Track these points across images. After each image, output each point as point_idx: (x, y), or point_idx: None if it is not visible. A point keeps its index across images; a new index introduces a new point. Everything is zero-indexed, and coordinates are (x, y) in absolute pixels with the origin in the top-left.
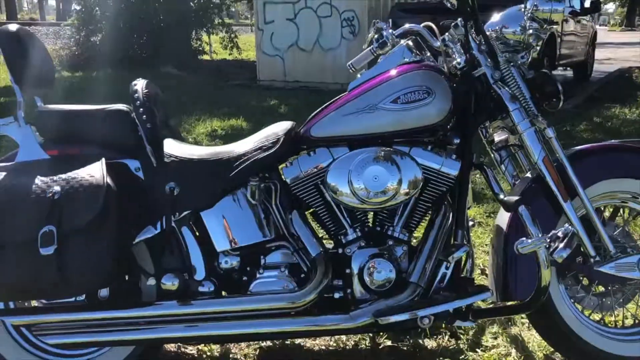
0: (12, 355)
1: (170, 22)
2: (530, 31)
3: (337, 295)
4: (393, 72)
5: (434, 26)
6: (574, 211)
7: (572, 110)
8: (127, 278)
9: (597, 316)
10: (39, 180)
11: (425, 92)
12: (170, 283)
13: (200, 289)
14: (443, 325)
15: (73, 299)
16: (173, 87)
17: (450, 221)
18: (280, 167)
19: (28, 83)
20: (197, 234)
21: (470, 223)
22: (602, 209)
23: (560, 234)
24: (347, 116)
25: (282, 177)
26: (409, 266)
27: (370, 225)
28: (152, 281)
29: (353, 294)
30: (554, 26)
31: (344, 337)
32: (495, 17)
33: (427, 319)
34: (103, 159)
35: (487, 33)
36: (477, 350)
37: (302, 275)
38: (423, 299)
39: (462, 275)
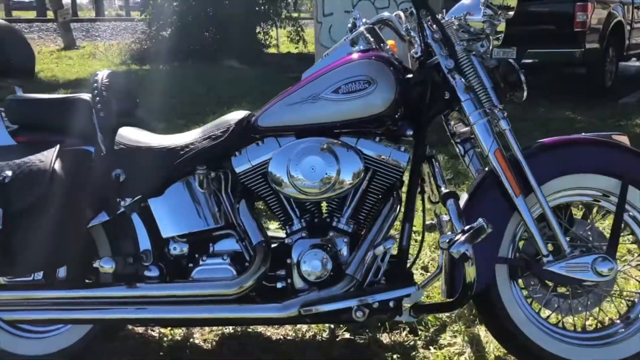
0: None
1: (237, 17)
2: (484, 18)
3: (279, 285)
4: (338, 62)
5: (402, 15)
6: (526, 207)
7: (635, 104)
8: (85, 259)
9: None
10: (2, 165)
11: (366, 82)
12: (108, 266)
13: (147, 273)
14: (403, 322)
15: (31, 277)
16: (230, 80)
17: (397, 214)
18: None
19: (7, 74)
20: (146, 220)
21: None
22: (566, 205)
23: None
24: (292, 105)
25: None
26: (348, 258)
27: (317, 216)
28: (102, 263)
29: (293, 284)
30: (510, 13)
31: (304, 328)
32: (462, 3)
33: (361, 311)
34: (58, 146)
35: (450, 20)
36: (431, 347)
37: (246, 264)
38: (356, 290)
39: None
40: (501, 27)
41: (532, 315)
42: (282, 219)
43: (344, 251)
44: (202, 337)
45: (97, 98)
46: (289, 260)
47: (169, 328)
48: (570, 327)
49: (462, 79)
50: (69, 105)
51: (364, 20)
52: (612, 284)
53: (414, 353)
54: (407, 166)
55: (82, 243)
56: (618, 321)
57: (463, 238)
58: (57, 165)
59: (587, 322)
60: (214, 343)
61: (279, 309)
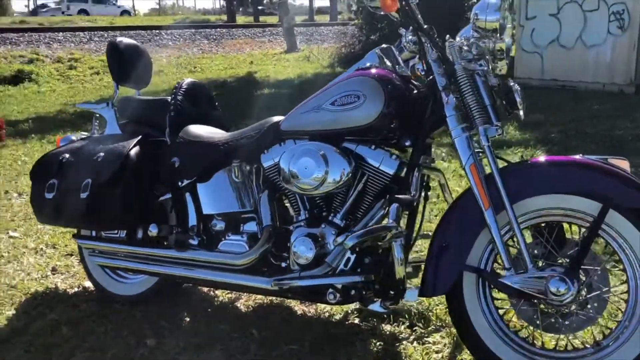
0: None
1: (445, 18)
2: (471, 40)
3: (283, 264)
4: (342, 77)
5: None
6: (494, 219)
7: None
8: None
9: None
10: (98, 147)
11: (355, 97)
12: (154, 231)
13: (191, 241)
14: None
15: (117, 234)
16: None
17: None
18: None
19: (126, 80)
20: (196, 199)
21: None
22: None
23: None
24: (304, 113)
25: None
26: (333, 248)
27: (318, 209)
28: (151, 228)
29: (289, 264)
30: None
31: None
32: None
33: (333, 295)
34: (140, 136)
35: (457, 41)
36: (416, 342)
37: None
38: (327, 276)
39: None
40: (500, 46)
41: (496, 325)
42: (294, 209)
43: (331, 242)
44: (246, 302)
45: (172, 101)
46: (288, 244)
47: (222, 291)
48: (548, 344)
49: (453, 97)
50: (158, 105)
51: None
52: (602, 310)
53: (397, 344)
54: (398, 173)
55: (152, 211)
56: (589, 346)
57: (359, 232)
58: (132, 151)
59: (561, 342)
60: (254, 309)
61: (265, 282)
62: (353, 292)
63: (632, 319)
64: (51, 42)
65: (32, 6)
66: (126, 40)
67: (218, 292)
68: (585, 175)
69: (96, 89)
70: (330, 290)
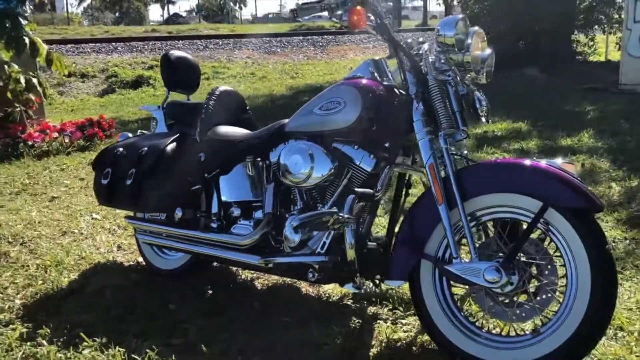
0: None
1: (551, 24)
2: (435, 53)
3: (280, 247)
4: (333, 85)
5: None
6: (446, 213)
7: None
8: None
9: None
10: (144, 143)
11: (337, 103)
12: (179, 214)
13: (212, 224)
14: (390, 300)
15: (159, 216)
16: (512, 90)
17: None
18: None
19: (176, 87)
20: (218, 189)
21: None
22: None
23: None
24: (301, 116)
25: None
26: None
27: (311, 199)
28: (177, 211)
29: (284, 247)
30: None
31: (326, 294)
32: None
33: (312, 273)
34: (177, 135)
35: (433, 53)
36: (389, 322)
37: None
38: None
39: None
40: (467, 58)
41: (448, 309)
42: (292, 199)
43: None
44: (262, 281)
45: (204, 105)
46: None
47: (242, 270)
48: (494, 331)
49: (422, 104)
50: (194, 109)
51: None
52: (548, 303)
53: (374, 323)
54: (376, 171)
55: (184, 198)
56: (527, 333)
57: (301, 215)
58: (168, 147)
59: (506, 329)
60: (266, 287)
61: (255, 259)
62: (329, 272)
63: (566, 310)
64: (171, 49)
65: (166, 15)
66: (177, 52)
67: (240, 271)
68: (529, 176)
69: (199, 93)
70: (310, 269)
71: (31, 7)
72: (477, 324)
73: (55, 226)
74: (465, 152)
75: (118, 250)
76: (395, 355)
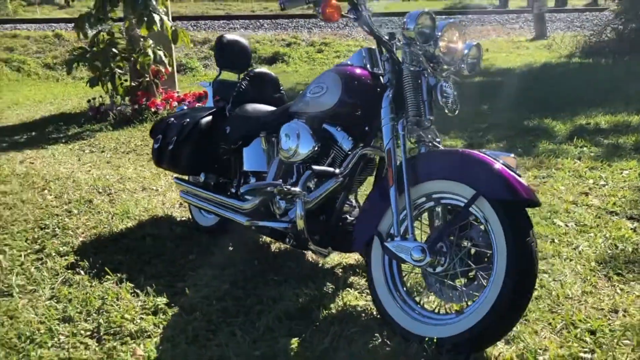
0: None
1: None
2: (400, 45)
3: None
4: (324, 71)
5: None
6: (394, 194)
7: None
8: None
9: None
10: (189, 115)
11: (321, 87)
12: (202, 178)
13: (231, 189)
14: None
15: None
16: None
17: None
18: None
19: (227, 67)
20: (240, 159)
21: None
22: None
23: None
24: (300, 99)
25: None
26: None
27: (302, 173)
28: (201, 176)
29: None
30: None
31: (326, 265)
32: None
33: (289, 239)
34: (214, 109)
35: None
36: (364, 292)
37: None
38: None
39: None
40: (437, 51)
41: (392, 283)
42: (289, 173)
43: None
44: (275, 246)
45: (238, 83)
46: None
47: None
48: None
49: (391, 92)
50: (228, 86)
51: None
52: (479, 289)
53: (348, 289)
54: (352, 151)
55: (211, 164)
56: (452, 312)
57: (249, 185)
58: (203, 119)
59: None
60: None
61: (244, 220)
62: (298, 239)
63: (484, 296)
64: (312, 28)
65: None
66: (230, 35)
67: (258, 236)
68: (468, 165)
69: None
70: (289, 234)
71: None
72: (417, 299)
73: (139, 182)
74: (438, 139)
75: (179, 207)
76: (342, 318)
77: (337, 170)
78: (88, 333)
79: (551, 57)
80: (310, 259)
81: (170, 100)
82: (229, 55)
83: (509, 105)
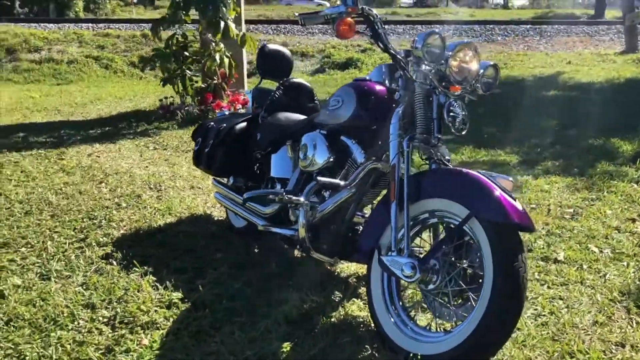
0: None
1: None
2: (410, 64)
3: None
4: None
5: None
6: (395, 210)
7: None
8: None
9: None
10: (227, 120)
11: (337, 101)
12: (232, 181)
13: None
14: None
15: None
16: None
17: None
18: None
19: (269, 75)
20: (268, 165)
21: None
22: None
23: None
24: (322, 110)
25: None
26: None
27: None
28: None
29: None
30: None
31: (340, 270)
32: None
33: (299, 245)
34: (249, 116)
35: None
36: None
37: None
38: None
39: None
40: (448, 70)
41: (389, 295)
42: (309, 181)
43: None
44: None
45: (272, 93)
46: None
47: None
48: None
49: (402, 108)
50: (264, 94)
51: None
52: (470, 310)
53: (350, 299)
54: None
55: (241, 168)
56: (441, 331)
57: (252, 192)
58: (238, 126)
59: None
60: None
61: (260, 223)
62: (303, 246)
63: (474, 315)
64: (391, 34)
65: None
66: (272, 45)
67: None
68: (464, 185)
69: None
70: (299, 242)
71: None
72: (413, 313)
73: (189, 181)
74: (448, 157)
75: (219, 207)
76: (340, 327)
77: (342, 183)
78: (105, 320)
79: (638, 73)
80: (329, 266)
81: (235, 102)
82: (270, 64)
83: (578, 122)
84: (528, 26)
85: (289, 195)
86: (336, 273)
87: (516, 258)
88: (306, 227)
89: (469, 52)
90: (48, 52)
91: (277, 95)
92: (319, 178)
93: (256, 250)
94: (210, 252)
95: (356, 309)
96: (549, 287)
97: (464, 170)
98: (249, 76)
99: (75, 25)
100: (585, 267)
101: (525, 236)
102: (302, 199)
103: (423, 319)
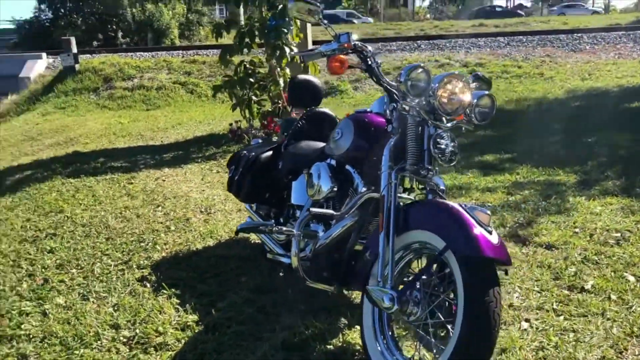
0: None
1: None
2: (401, 99)
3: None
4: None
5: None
6: (383, 240)
7: None
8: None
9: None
10: (256, 149)
11: (338, 133)
12: (255, 208)
13: (280, 220)
14: None
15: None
16: None
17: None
18: None
19: (298, 104)
20: (288, 192)
21: None
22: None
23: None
24: (328, 141)
25: None
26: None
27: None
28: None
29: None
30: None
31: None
32: None
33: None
34: (275, 145)
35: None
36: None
37: None
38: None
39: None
40: (437, 103)
41: (378, 322)
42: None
43: (318, 231)
44: None
45: (295, 122)
46: None
47: None
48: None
49: (393, 140)
50: (290, 125)
51: None
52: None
53: (353, 327)
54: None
55: (263, 195)
56: None
57: (246, 223)
58: (263, 155)
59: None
60: None
61: (280, 250)
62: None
63: (448, 347)
64: (471, 48)
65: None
66: (302, 76)
67: None
68: (442, 218)
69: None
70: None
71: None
72: (401, 343)
73: (238, 204)
74: (443, 188)
75: None
76: (335, 354)
77: (335, 213)
78: (125, 340)
79: None
80: (346, 293)
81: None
82: (300, 94)
83: None
84: (620, 33)
85: (278, 227)
86: (351, 299)
87: (487, 293)
88: (299, 256)
89: (458, 83)
90: (140, 79)
91: (300, 125)
92: (311, 209)
93: (281, 274)
94: (236, 275)
95: (356, 336)
96: (565, 319)
97: (445, 202)
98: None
99: (167, 53)
100: (613, 297)
101: (555, 263)
102: (294, 230)
103: (411, 349)
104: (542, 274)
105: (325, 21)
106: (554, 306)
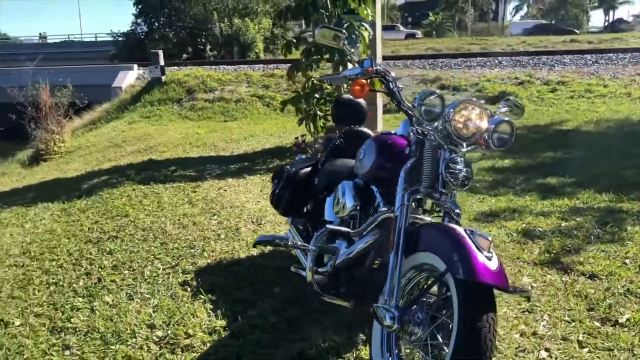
0: None
1: None
2: (418, 124)
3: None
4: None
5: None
6: (393, 260)
7: None
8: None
9: None
10: (296, 165)
11: (361, 153)
12: (290, 221)
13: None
14: None
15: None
16: None
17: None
18: None
19: (342, 123)
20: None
21: None
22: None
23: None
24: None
25: None
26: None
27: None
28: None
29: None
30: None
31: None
32: None
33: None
34: (313, 162)
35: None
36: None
37: None
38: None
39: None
40: (451, 129)
41: (385, 343)
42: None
43: (341, 248)
44: None
45: (334, 140)
46: None
47: None
48: None
49: (410, 163)
50: (328, 139)
51: None
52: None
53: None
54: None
55: (304, 210)
56: None
57: (263, 236)
58: (302, 170)
59: None
60: None
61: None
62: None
63: None
64: (555, 65)
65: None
66: (346, 96)
67: None
68: (445, 241)
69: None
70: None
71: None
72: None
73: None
74: (457, 211)
75: None
76: None
77: (352, 231)
78: (157, 339)
79: None
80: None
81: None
82: (344, 113)
83: None
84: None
85: (294, 241)
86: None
87: (480, 317)
88: (313, 270)
89: (474, 109)
90: (220, 91)
91: (337, 142)
92: (328, 226)
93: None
94: (270, 285)
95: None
96: (589, 351)
97: (450, 226)
98: (386, 111)
99: (249, 66)
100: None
101: (594, 294)
102: (310, 245)
103: None
104: (576, 303)
105: (348, 47)
106: (580, 337)
